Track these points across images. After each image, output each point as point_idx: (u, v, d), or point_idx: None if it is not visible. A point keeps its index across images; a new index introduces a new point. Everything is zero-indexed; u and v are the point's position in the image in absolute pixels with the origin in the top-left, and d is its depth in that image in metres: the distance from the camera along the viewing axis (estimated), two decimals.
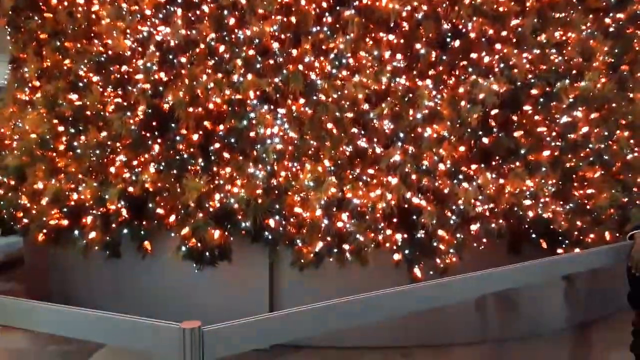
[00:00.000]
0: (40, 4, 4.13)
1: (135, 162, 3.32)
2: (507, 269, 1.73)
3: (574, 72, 3.54)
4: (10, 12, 4.47)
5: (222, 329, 1.14)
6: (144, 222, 3.22)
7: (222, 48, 3.29)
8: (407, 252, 2.98)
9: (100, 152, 3.38)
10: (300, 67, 3.18)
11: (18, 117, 4.02)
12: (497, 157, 3.27)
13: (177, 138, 3.23)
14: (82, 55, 3.69)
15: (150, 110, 3.26)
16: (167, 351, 1.16)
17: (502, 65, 3.32)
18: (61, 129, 3.61)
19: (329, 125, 3.16)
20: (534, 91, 3.39)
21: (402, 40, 3.27)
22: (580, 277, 3.42)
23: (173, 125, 3.25)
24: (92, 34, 3.69)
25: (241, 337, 1.17)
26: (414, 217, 3.02)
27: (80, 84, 3.65)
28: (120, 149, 3.36)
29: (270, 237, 3.05)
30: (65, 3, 3.77)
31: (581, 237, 3.20)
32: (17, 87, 4.15)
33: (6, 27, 4.80)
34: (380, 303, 1.38)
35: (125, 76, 3.45)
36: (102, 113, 3.47)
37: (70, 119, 3.63)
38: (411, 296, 1.46)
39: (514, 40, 3.43)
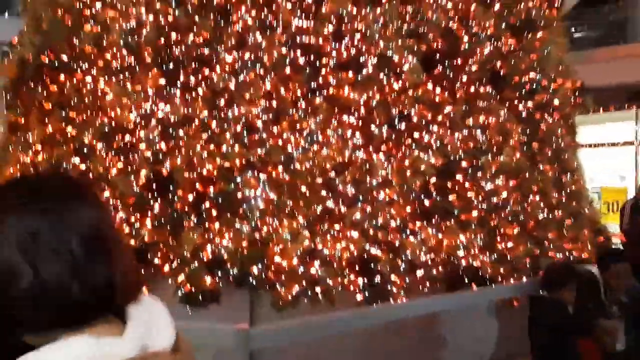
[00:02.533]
0: (45, 76, 4.70)
1: (133, 219, 3.87)
2: (444, 296, 2.44)
3: (495, 149, 4.47)
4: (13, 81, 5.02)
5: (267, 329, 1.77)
6: (143, 271, 3.73)
7: (214, 124, 3.98)
8: (366, 293, 3.66)
9: None
10: (280, 141, 3.91)
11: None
12: (436, 216, 4.07)
13: (175, 198, 3.83)
14: (87, 125, 4.26)
15: (151, 175, 3.86)
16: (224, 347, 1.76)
17: (438, 143, 4.19)
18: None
19: (303, 189, 3.87)
20: (464, 164, 4.27)
21: (360, 122, 4.09)
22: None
23: (171, 187, 3.86)
24: (98, 107, 4.28)
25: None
26: (372, 264, 3.72)
27: (85, 150, 4.20)
28: (121, 207, 3.90)
29: (253, 282, 3.65)
30: (74, 80, 4.36)
31: (503, 282, 3.99)
32: (22, 150, 4.62)
33: (4, 93, 5.31)
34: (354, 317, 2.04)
35: (128, 145, 4.05)
36: (104, 176, 4.03)
37: None
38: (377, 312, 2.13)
39: (447, 123, 4.32)
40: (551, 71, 5.13)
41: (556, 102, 5.15)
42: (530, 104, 4.95)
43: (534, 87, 4.91)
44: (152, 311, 0.75)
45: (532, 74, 4.88)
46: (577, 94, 5.83)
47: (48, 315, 0.65)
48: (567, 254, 4.47)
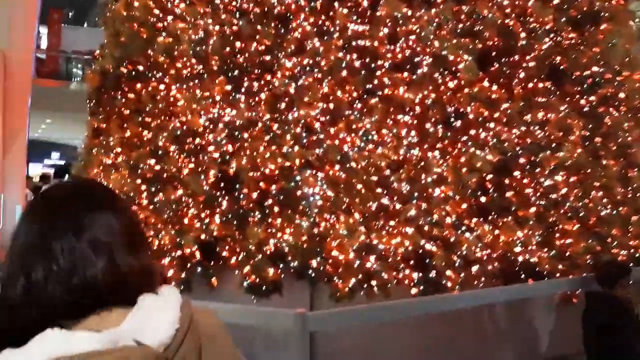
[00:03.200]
0: (124, 85, 5.16)
1: (203, 215, 4.20)
2: (498, 288, 2.53)
3: (554, 144, 4.42)
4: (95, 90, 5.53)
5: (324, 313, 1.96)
6: (212, 263, 4.06)
7: (275, 126, 4.23)
8: (421, 287, 3.77)
9: (175, 206, 4.27)
10: (337, 141, 4.10)
11: (102, 178, 4.96)
12: (492, 213, 4.10)
13: (240, 196, 4.12)
14: (161, 129, 4.66)
15: (219, 174, 4.17)
16: (284, 329, 1.97)
17: (495, 140, 4.22)
18: (143, 187, 4.52)
19: (359, 186, 4.03)
20: (521, 160, 4.26)
21: (415, 121, 4.19)
22: None
23: (237, 186, 4.15)
24: (170, 112, 4.66)
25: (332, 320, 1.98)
26: (427, 259, 3.82)
27: (159, 152, 4.59)
28: (192, 204, 4.25)
29: (312, 274, 3.87)
30: (150, 88, 4.77)
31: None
32: (104, 152, 5.11)
33: (87, 101, 5.86)
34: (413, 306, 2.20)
35: (198, 147, 4.39)
36: (177, 175, 4.40)
37: (149, 179, 4.55)
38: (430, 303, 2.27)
39: (505, 120, 4.33)
40: (616, 63, 4.97)
41: (622, 95, 4.99)
42: (593, 98, 4.83)
43: (597, 80, 4.79)
44: (159, 304, 0.78)
45: (595, 68, 4.76)
46: None
47: (36, 314, 0.73)
48: (631, 251, 4.34)
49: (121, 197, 0.89)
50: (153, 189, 4.49)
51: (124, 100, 5.08)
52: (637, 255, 4.45)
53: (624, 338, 2.95)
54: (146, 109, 4.84)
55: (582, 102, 4.81)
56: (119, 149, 5.04)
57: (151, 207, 4.42)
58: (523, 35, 4.36)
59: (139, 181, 4.53)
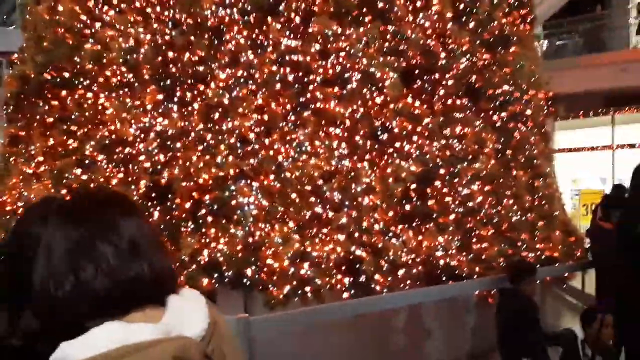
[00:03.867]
0: (47, 92, 4.94)
1: None
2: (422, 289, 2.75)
3: (470, 156, 4.80)
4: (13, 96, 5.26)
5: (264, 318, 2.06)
6: None
7: (209, 136, 4.27)
8: (352, 292, 3.95)
9: None
10: (271, 152, 4.21)
11: (22, 187, 4.71)
12: (416, 220, 4.38)
13: (173, 206, 4.10)
14: (88, 138, 4.52)
15: (151, 184, 4.13)
16: None
17: (418, 152, 4.52)
18: (68, 198, 4.36)
19: (293, 196, 4.16)
20: (441, 171, 4.59)
21: (345, 134, 4.40)
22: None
23: (169, 196, 4.13)
24: (98, 121, 4.54)
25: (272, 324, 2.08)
26: (357, 265, 4.02)
27: (86, 162, 4.45)
28: None
29: (247, 283, 3.93)
30: (76, 96, 4.62)
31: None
32: (24, 161, 4.86)
33: (4, 107, 5.54)
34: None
35: (128, 156, 4.31)
36: (105, 185, 4.29)
37: (75, 190, 4.40)
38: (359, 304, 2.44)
39: (426, 133, 4.65)
40: (523, 83, 5.50)
41: (528, 112, 5.52)
42: (504, 114, 5.30)
43: (508, 98, 5.26)
44: (189, 303, 0.87)
45: (505, 87, 5.24)
46: (549, 103, 6.24)
47: (88, 310, 0.79)
48: (538, 253, 4.81)
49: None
50: None
51: (47, 107, 4.88)
52: (543, 257, 4.93)
53: (529, 331, 3.29)
54: (72, 117, 4.68)
55: (495, 117, 5.27)
56: (41, 158, 4.83)
57: None
58: (443, 55, 4.71)
59: (64, 192, 4.36)
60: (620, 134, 15.86)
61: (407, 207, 4.39)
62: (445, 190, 4.55)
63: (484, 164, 4.81)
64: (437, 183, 4.54)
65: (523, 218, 4.96)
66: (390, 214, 4.27)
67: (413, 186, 4.42)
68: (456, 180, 4.61)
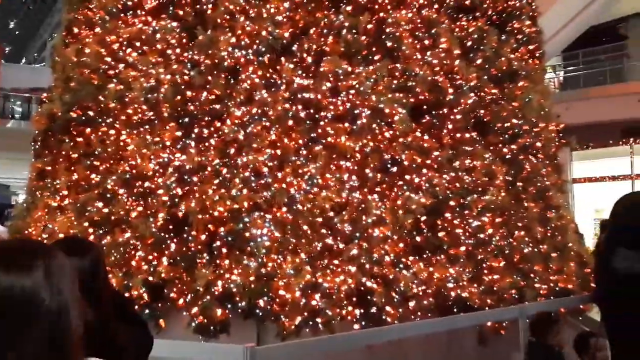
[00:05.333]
0: (72, 129, 5.21)
1: (151, 257, 4.28)
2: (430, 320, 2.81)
3: (480, 188, 4.88)
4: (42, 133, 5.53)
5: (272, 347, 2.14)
6: (160, 304, 4.12)
7: (224, 170, 4.44)
8: (363, 323, 4.00)
9: (123, 249, 4.33)
10: (284, 185, 4.35)
11: (47, 220, 4.92)
12: (427, 251, 4.44)
13: (189, 238, 4.25)
14: (110, 173, 4.73)
15: (168, 217, 4.30)
16: None
17: (427, 184, 4.61)
18: (90, 230, 4.55)
19: (305, 228, 4.27)
20: (451, 203, 4.67)
21: (356, 167, 4.53)
22: None
23: (186, 228, 4.28)
24: (120, 156, 4.76)
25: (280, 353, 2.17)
26: (368, 296, 4.07)
27: (108, 195, 4.65)
28: (140, 246, 4.32)
29: (260, 313, 4.02)
30: (99, 132, 4.87)
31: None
32: (49, 195, 5.09)
33: (32, 143, 5.83)
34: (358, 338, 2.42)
35: (148, 190, 4.50)
36: (125, 218, 4.47)
37: (97, 222, 4.59)
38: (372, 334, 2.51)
39: (436, 166, 4.75)
40: (533, 116, 5.58)
41: (539, 144, 5.58)
42: (514, 146, 5.37)
43: (517, 131, 5.35)
44: None
45: (514, 120, 5.33)
46: (561, 135, 6.29)
47: None
48: (552, 285, 4.79)
49: None
50: (100, 232, 4.52)
51: (72, 143, 5.13)
52: (557, 289, 4.91)
53: None
54: (95, 153, 4.92)
55: (505, 150, 5.34)
56: (65, 192, 5.05)
57: None
58: (451, 90, 4.85)
59: (86, 224, 4.55)
60: None
61: (418, 238, 4.46)
62: (455, 222, 4.61)
63: (495, 196, 4.87)
64: (448, 215, 4.61)
65: (535, 250, 4.96)
66: (401, 245, 4.34)
67: (423, 218, 4.49)
68: (466, 212, 4.67)
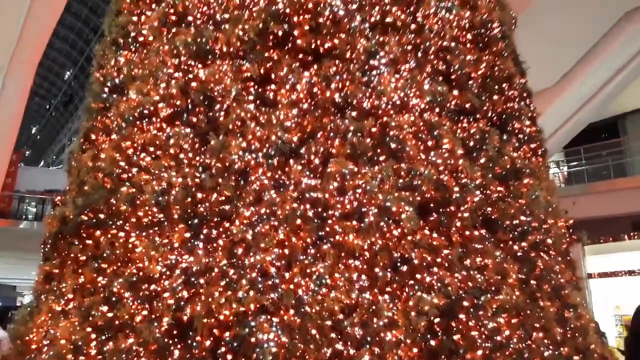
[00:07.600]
0: (82, 232, 5.26)
1: None
2: None
3: (493, 288, 4.74)
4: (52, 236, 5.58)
5: None
6: None
7: (231, 272, 4.39)
8: None
9: (125, 356, 4.17)
10: (291, 286, 4.27)
11: (50, 325, 4.81)
12: (442, 356, 4.22)
13: (194, 344, 4.10)
14: (116, 275, 4.70)
15: (173, 322, 4.18)
16: None
17: (439, 283, 4.50)
18: (92, 336, 4.42)
19: (313, 332, 4.12)
20: (465, 303, 4.52)
21: (365, 266, 4.47)
22: None
23: (190, 333, 4.15)
24: (127, 259, 4.75)
25: None
26: None
27: (113, 299, 4.58)
28: (143, 353, 4.16)
29: None
30: (109, 235, 4.90)
31: None
32: (54, 299, 5.02)
33: (42, 246, 5.87)
34: None
35: (153, 293, 4.43)
36: (129, 323, 4.35)
37: (100, 328, 4.47)
38: None
39: (446, 265, 4.67)
40: (541, 213, 5.58)
41: (549, 240, 5.52)
42: (524, 244, 5.31)
43: (526, 228, 5.32)
44: None
45: (522, 217, 5.32)
46: (571, 230, 6.24)
47: None
48: None
49: None
50: (103, 337, 4.39)
51: (81, 246, 5.16)
52: None
53: None
54: (103, 255, 4.92)
55: (515, 247, 5.27)
56: (70, 295, 4.98)
57: (99, 357, 4.28)
58: (456, 189, 4.91)
59: (89, 329, 4.43)
60: None
61: (432, 342, 4.27)
62: (470, 323, 4.43)
63: (509, 295, 4.72)
64: (462, 316, 4.45)
65: (556, 352, 4.71)
66: (415, 350, 4.15)
67: (437, 320, 4.33)
68: (481, 312, 4.51)
